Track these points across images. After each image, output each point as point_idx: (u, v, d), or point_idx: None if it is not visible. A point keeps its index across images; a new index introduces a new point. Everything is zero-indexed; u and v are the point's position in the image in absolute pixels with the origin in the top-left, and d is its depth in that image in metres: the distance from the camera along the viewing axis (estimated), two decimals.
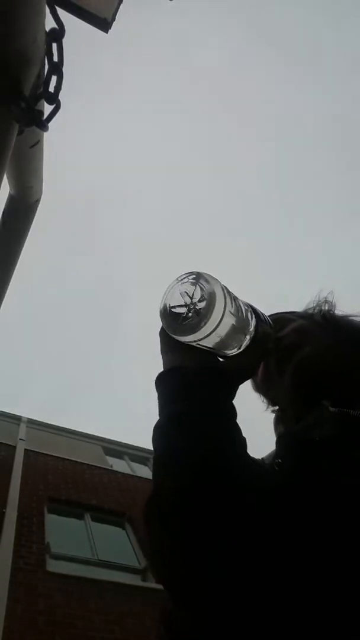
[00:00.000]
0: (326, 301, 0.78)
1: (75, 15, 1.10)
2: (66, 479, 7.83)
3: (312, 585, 0.40)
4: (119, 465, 9.76)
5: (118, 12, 1.14)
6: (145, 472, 9.71)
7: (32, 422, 9.98)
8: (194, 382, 0.56)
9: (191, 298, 0.55)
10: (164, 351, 0.63)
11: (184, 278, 0.57)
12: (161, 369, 0.62)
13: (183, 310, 0.56)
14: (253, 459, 0.50)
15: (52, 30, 0.89)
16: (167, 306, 0.58)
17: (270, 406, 0.78)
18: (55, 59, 0.90)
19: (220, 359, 0.62)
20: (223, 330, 0.55)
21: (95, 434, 10.97)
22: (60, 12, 0.94)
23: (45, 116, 0.94)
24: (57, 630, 4.60)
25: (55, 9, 0.91)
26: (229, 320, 0.55)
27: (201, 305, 0.54)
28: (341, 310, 0.77)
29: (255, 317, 0.61)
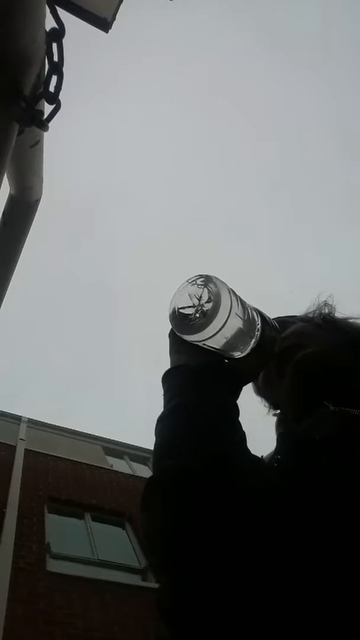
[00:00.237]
0: (326, 304, 0.79)
1: (75, 15, 1.10)
2: (66, 479, 7.83)
3: (315, 583, 0.40)
4: (119, 465, 9.76)
5: (118, 12, 1.14)
6: (145, 472, 9.71)
7: (32, 422, 9.99)
8: (199, 378, 0.57)
9: (199, 299, 0.58)
10: (172, 351, 0.64)
11: (193, 280, 0.59)
12: (168, 367, 0.63)
13: (191, 311, 0.58)
14: (252, 455, 0.51)
15: (52, 30, 0.89)
16: (176, 307, 0.60)
17: (272, 410, 0.78)
18: (56, 58, 0.90)
19: (226, 360, 0.63)
20: (229, 331, 0.57)
21: (96, 434, 10.99)
22: (61, 12, 0.94)
23: (45, 116, 0.94)
24: (57, 630, 4.60)
25: (56, 8, 0.91)
26: (235, 322, 0.57)
27: (208, 306, 0.56)
28: (341, 312, 0.78)
29: (262, 320, 0.63)
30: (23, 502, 6.39)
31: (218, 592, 0.41)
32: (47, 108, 0.95)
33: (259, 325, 0.62)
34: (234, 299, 0.56)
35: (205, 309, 0.57)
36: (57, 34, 0.89)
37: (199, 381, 0.57)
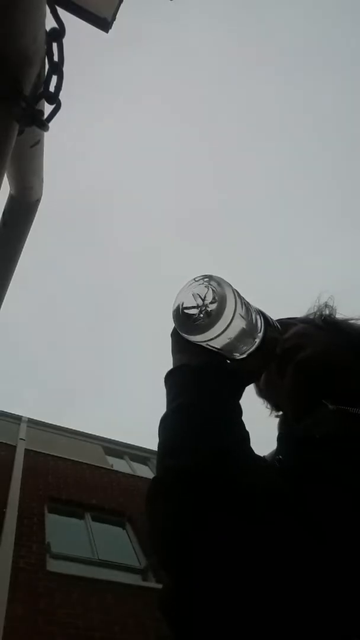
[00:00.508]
0: (326, 305, 0.80)
1: (76, 15, 1.10)
2: (66, 479, 7.83)
3: (315, 582, 0.40)
4: (120, 465, 9.77)
5: (118, 12, 1.14)
6: (145, 472, 9.72)
7: (32, 422, 9.99)
8: (202, 378, 0.57)
9: (203, 300, 0.58)
10: (175, 351, 0.64)
11: (198, 280, 0.59)
12: (170, 368, 0.63)
13: (195, 311, 0.59)
14: (257, 457, 0.51)
15: (53, 30, 0.89)
16: (180, 307, 0.60)
17: (274, 411, 0.79)
18: (56, 58, 0.90)
19: (229, 361, 0.63)
20: (232, 332, 0.57)
21: (96, 434, 10.99)
22: (61, 11, 0.94)
23: (45, 116, 0.94)
24: (58, 629, 4.60)
25: (56, 8, 0.91)
26: (239, 323, 0.57)
27: (212, 306, 0.56)
28: (341, 314, 0.79)
29: (265, 321, 0.63)
30: (23, 502, 6.39)
31: (218, 591, 0.41)
32: (47, 108, 0.95)
33: (262, 326, 0.62)
34: (238, 300, 0.57)
35: (209, 309, 0.57)
36: (57, 34, 0.89)
37: (201, 381, 0.57)
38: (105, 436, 11.02)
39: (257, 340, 0.61)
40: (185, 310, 0.59)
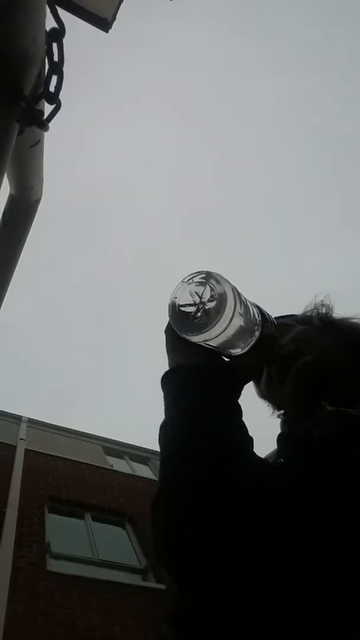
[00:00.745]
0: (323, 304, 0.79)
1: (76, 15, 1.10)
2: (66, 479, 7.83)
3: (315, 582, 0.40)
4: (119, 465, 9.76)
5: (118, 12, 1.14)
6: (145, 472, 9.72)
7: (32, 422, 9.99)
8: (199, 380, 0.57)
9: (201, 297, 0.56)
10: (170, 349, 0.63)
11: (194, 277, 0.57)
12: (166, 368, 0.63)
13: (192, 309, 0.56)
14: (258, 458, 0.51)
15: (53, 30, 0.89)
16: (176, 304, 0.58)
17: (275, 411, 0.78)
18: (56, 58, 0.90)
19: (226, 359, 0.63)
20: (231, 330, 0.55)
21: (96, 434, 10.98)
22: (61, 11, 0.94)
23: (45, 116, 0.94)
24: (58, 629, 4.60)
25: (56, 8, 0.91)
26: (238, 322, 0.55)
27: (211, 305, 0.54)
28: (338, 313, 0.78)
29: (262, 317, 0.62)
30: (23, 502, 6.39)
31: (220, 592, 0.41)
32: (47, 108, 0.95)
33: (260, 323, 0.61)
34: (237, 297, 0.55)
35: (207, 307, 0.55)
36: (58, 34, 0.89)
37: (199, 384, 0.56)
38: (105, 436, 11.03)
39: (255, 337, 0.60)
40: (182, 308, 0.57)
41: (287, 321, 0.79)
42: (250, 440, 0.52)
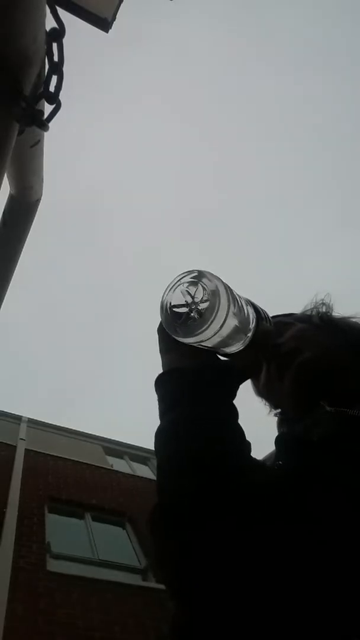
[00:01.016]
0: (323, 303, 0.79)
1: (76, 15, 1.10)
2: (66, 479, 7.83)
3: (315, 582, 0.40)
4: (119, 465, 9.76)
5: (118, 12, 1.14)
6: (145, 471, 9.72)
7: (32, 422, 9.98)
8: (193, 383, 0.56)
9: (193, 298, 0.54)
10: (163, 350, 0.62)
11: (185, 276, 0.55)
12: (160, 369, 0.62)
13: (184, 310, 0.55)
14: (255, 460, 0.51)
15: (53, 30, 0.89)
16: (168, 305, 0.56)
17: (272, 410, 0.78)
18: (56, 58, 0.90)
19: (220, 357, 0.62)
20: (225, 330, 0.54)
21: (96, 434, 10.98)
22: (61, 11, 0.94)
23: (45, 116, 0.94)
24: (58, 629, 4.60)
25: (56, 8, 0.91)
26: (232, 321, 0.54)
27: (204, 306, 0.53)
28: (338, 312, 0.78)
29: (256, 314, 0.60)
30: (23, 502, 6.39)
31: (220, 593, 0.41)
32: (47, 108, 0.95)
33: (254, 320, 0.59)
34: (230, 297, 0.53)
35: (200, 308, 0.53)
36: (58, 34, 0.89)
37: (193, 388, 0.55)
38: (105, 436, 11.03)
39: (250, 335, 0.58)
40: (174, 309, 0.55)
41: (287, 319, 0.78)
42: (247, 443, 0.51)
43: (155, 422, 0.56)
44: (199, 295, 0.53)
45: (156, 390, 0.59)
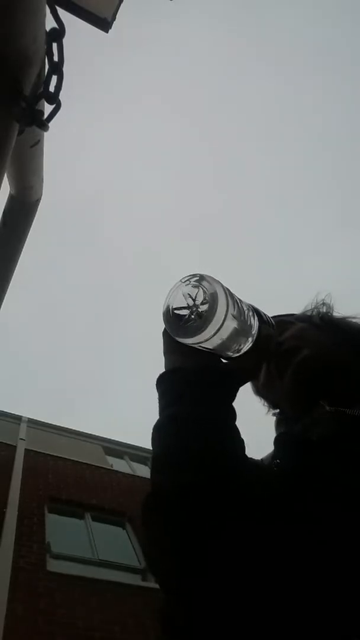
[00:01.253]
0: (324, 303, 0.79)
1: (76, 15, 1.10)
2: (66, 479, 7.83)
3: (315, 582, 0.40)
4: (119, 465, 9.77)
5: (118, 12, 1.14)
6: (145, 471, 9.71)
7: (32, 422, 9.99)
8: (194, 383, 0.56)
9: (194, 300, 0.56)
10: (166, 351, 0.63)
11: (187, 280, 0.57)
12: (163, 369, 0.62)
13: (185, 312, 0.56)
14: (251, 460, 0.51)
15: (53, 30, 0.89)
16: (170, 308, 0.58)
17: (271, 409, 0.78)
18: (56, 58, 0.90)
19: (222, 360, 0.62)
20: (225, 333, 0.55)
21: (96, 434, 10.99)
22: (61, 11, 0.94)
23: (45, 116, 0.94)
24: (57, 629, 4.60)
25: (56, 8, 0.91)
26: (231, 324, 0.55)
27: (203, 307, 0.54)
28: (338, 312, 0.78)
29: (258, 319, 0.61)
30: (23, 502, 6.39)
31: (219, 594, 0.41)
32: (47, 108, 0.95)
33: (256, 324, 0.60)
34: (230, 299, 0.55)
35: (200, 310, 0.55)
36: (57, 34, 0.89)
37: (193, 386, 0.56)
38: (105, 436, 11.03)
39: (251, 339, 0.60)
40: (176, 311, 0.57)
41: (287, 319, 0.78)
42: (243, 445, 0.51)
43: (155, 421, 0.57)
44: (200, 298, 0.55)
45: (157, 388, 0.60)
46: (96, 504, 7.38)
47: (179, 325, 0.57)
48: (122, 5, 1.13)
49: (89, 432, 10.92)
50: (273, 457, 0.63)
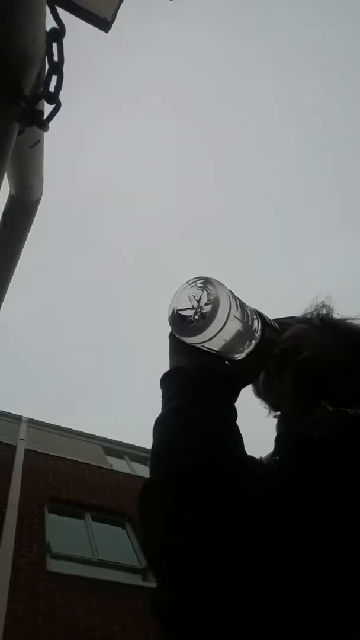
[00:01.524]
0: (324, 305, 0.79)
1: (76, 15, 1.10)
2: (66, 479, 7.83)
3: (315, 582, 0.40)
4: (119, 465, 9.76)
5: (118, 12, 1.14)
6: (145, 472, 9.70)
7: (32, 422, 9.98)
8: (197, 382, 0.57)
9: (198, 302, 0.58)
10: (171, 352, 0.64)
11: (193, 282, 0.59)
12: (167, 369, 0.63)
13: (190, 313, 0.58)
14: (252, 460, 0.51)
15: (53, 30, 0.89)
16: (175, 309, 0.60)
17: (272, 411, 0.78)
18: (56, 58, 0.90)
19: (226, 362, 0.63)
20: (228, 334, 0.56)
21: (96, 434, 10.98)
22: (61, 11, 0.94)
23: (45, 116, 0.94)
24: (58, 629, 4.60)
25: (56, 8, 0.91)
26: (234, 325, 0.57)
27: (207, 308, 0.56)
28: (339, 313, 0.79)
29: (262, 322, 0.63)
30: (23, 502, 6.39)
31: (223, 593, 0.41)
32: (47, 108, 0.95)
33: (259, 327, 0.62)
34: (232, 301, 0.56)
35: (204, 311, 0.57)
36: (57, 34, 0.89)
37: (196, 384, 0.57)
38: (105, 436, 11.03)
39: (254, 342, 0.61)
40: (181, 312, 0.59)
41: (287, 321, 0.79)
42: (241, 441, 0.52)
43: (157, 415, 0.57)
44: (204, 299, 0.57)
45: (160, 386, 0.61)
46: (96, 504, 7.37)
47: (183, 325, 0.58)
48: (122, 5, 1.13)
49: (89, 432, 10.92)
50: (272, 455, 0.63)
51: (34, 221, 1.34)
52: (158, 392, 0.61)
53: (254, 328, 0.61)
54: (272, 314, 0.71)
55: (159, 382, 0.62)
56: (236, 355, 0.61)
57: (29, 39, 0.82)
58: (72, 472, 8.18)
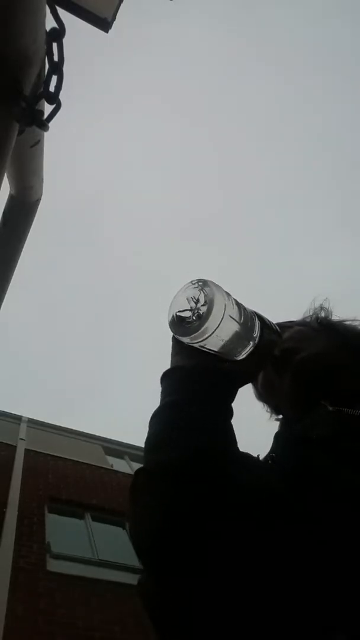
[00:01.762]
0: (322, 308, 0.80)
1: (76, 15, 1.10)
2: (67, 479, 7.84)
3: (315, 582, 0.40)
4: (119, 465, 9.76)
5: (118, 12, 1.14)
6: None
7: (32, 422, 9.99)
8: (196, 381, 0.58)
9: (196, 303, 0.59)
10: (172, 353, 0.65)
11: (192, 284, 0.61)
12: (166, 369, 0.64)
13: (188, 313, 0.60)
14: (251, 459, 0.51)
15: (53, 30, 0.89)
16: (174, 310, 0.62)
17: (273, 414, 0.79)
18: (56, 58, 0.90)
19: (225, 363, 0.63)
20: (225, 334, 0.58)
21: (96, 434, 10.99)
22: (61, 11, 0.94)
23: (45, 116, 0.94)
24: (58, 629, 4.60)
25: (56, 8, 0.91)
26: (231, 325, 0.58)
27: (203, 309, 0.58)
28: (337, 315, 0.79)
29: (261, 324, 0.64)
30: (23, 502, 6.39)
31: (217, 589, 0.41)
32: (47, 108, 0.95)
33: (258, 328, 0.63)
34: (228, 301, 0.58)
35: (200, 311, 0.58)
36: (58, 34, 0.89)
37: (191, 382, 0.58)
38: (105, 436, 11.03)
39: (253, 342, 0.62)
40: (179, 314, 0.61)
41: (286, 323, 0.80)
42: (234, 439, 0.52)
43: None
44: (201, 300, 0.59)
45: (160, 384, 0.62)
46: (96, 504, 7.38)
47: (181, 325, 0.60)
48: (122, 5, 1.13)
49: (89, 432, 10.92)
50: (270, 452, 0.63)
51: (34, 221, 1.34)
52: (158, 392, 0.62)
53: (252, 329, 0.62)
54: (271, 314, 0.71)
55: (159, 380, 0.62)
56: (235, 356, 0.62)
57: (29, 39, 0.82)
58: (72, 472, 8.19)
